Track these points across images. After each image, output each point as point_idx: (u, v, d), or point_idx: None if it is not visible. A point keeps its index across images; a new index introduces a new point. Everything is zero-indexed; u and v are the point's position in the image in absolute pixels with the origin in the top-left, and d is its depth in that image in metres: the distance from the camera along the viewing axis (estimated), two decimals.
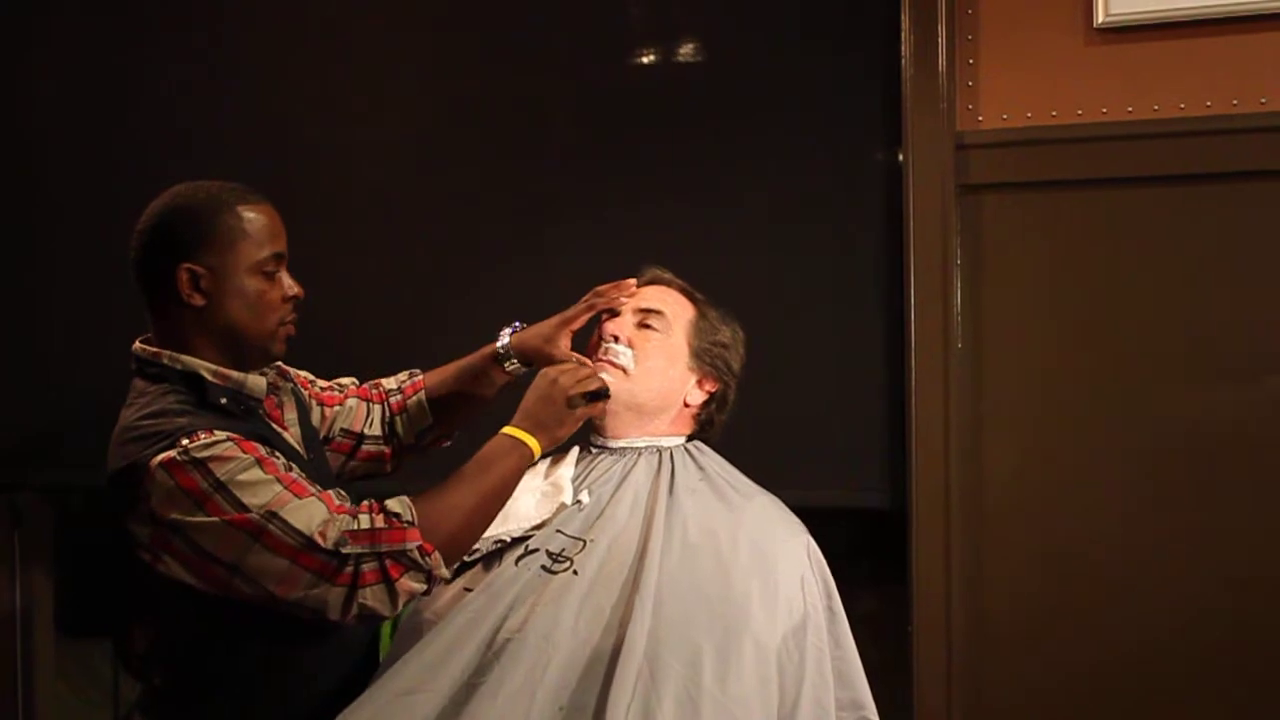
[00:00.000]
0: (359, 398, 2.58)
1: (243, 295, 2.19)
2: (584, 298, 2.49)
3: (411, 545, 2.09)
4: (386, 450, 2.60)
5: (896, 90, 3.04)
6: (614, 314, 2.44)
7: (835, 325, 3.15)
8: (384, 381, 2.63)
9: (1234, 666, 2.89)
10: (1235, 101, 2.84)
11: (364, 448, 2.57)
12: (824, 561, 2.29)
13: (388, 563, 2.08)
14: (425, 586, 2.12)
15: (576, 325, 2.46)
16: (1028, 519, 3.04)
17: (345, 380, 2.62)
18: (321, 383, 2.57)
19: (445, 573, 2.14)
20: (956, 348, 3.02)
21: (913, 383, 3.04)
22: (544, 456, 2.33)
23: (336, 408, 2.54)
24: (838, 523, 3.29)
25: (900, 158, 3.05)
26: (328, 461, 2.46)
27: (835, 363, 3.16)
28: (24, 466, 3.80)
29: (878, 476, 3.15)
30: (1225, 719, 2.91)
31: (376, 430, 2.58)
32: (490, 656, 2.10)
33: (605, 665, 2.05)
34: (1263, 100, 2.81)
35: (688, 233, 3.18)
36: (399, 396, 2.59)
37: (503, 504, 2.23)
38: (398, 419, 2.59)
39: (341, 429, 2.54)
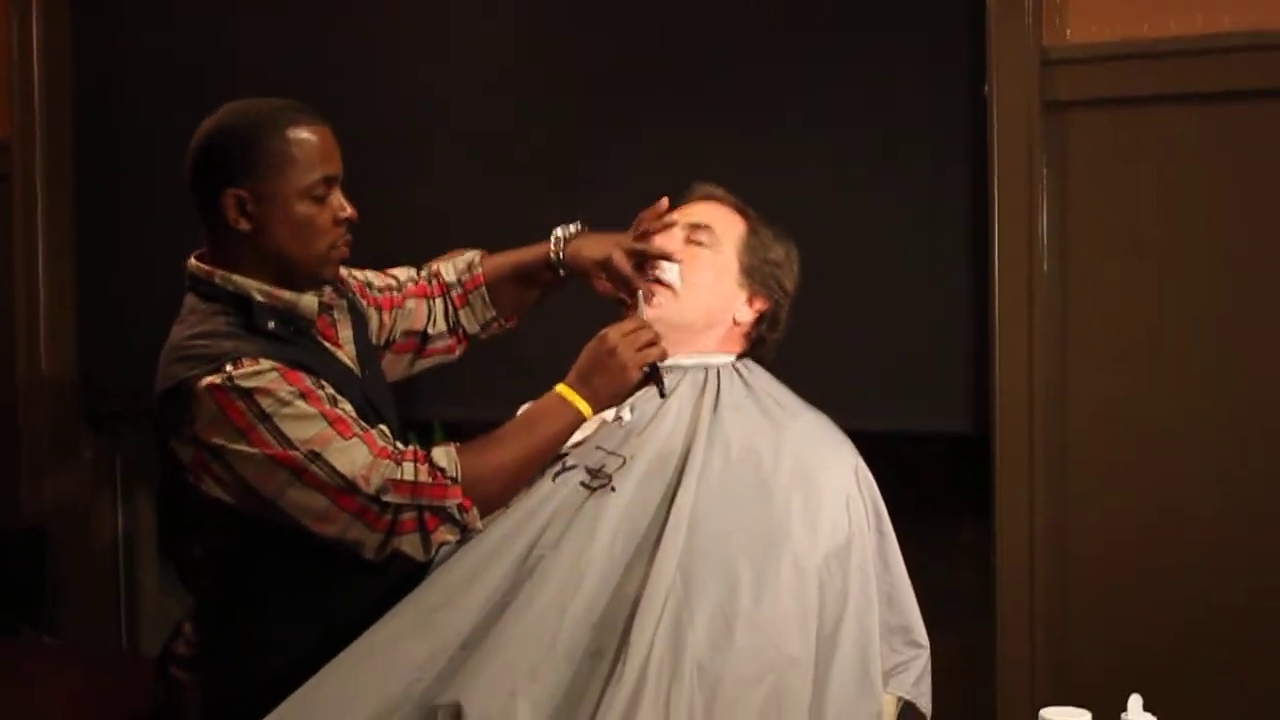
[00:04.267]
0: (418, 296, 2.55)
1: (290, 221, 2.16)
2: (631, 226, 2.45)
3: (452, 502, 2.10)
4: (452, 342, 2.60)
5: (981, 2, 2.94)
6: (666, 228, 2.38)
7: (917, 246, 3.08)
8: (442, 270, 2.59)
9: None
10: None
11: (431, 345, 2.57)
12: (874, 483, 2.21)
13: (426, 515, 2.08)
14: (459, 538, 2.13)
15: (628, 246, 2.39)
16: (1114, 451, 2.97)
17: (401, 274, 2.58)
18: (378, 282, 2.53)
19: (480, 526, 2.14)
20: (1042, 271, 2.94)
21: (996, 307, 2.97)
22: None
23: (396, 310, 2.52)
24: (925, 447, 3.24)
25: (984, 73, 2.94)
26: (384, 376, 2.45)
27: (918, 285, 3.09)
28: (123, 394, 3.85)
29: (962, 402, 3.07)
30: None
31: (441, 326, 2.56)
32: (523, 574, 2.07)
33: (638, 584, 2.01)
34: None
35: (765, 149, 3.14)
36: (459, 290, 2.56)
37: (546, 461, 2.22)
38: (461, 313, 2.57)
39: (404, 330, 2.53)
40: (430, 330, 2.55)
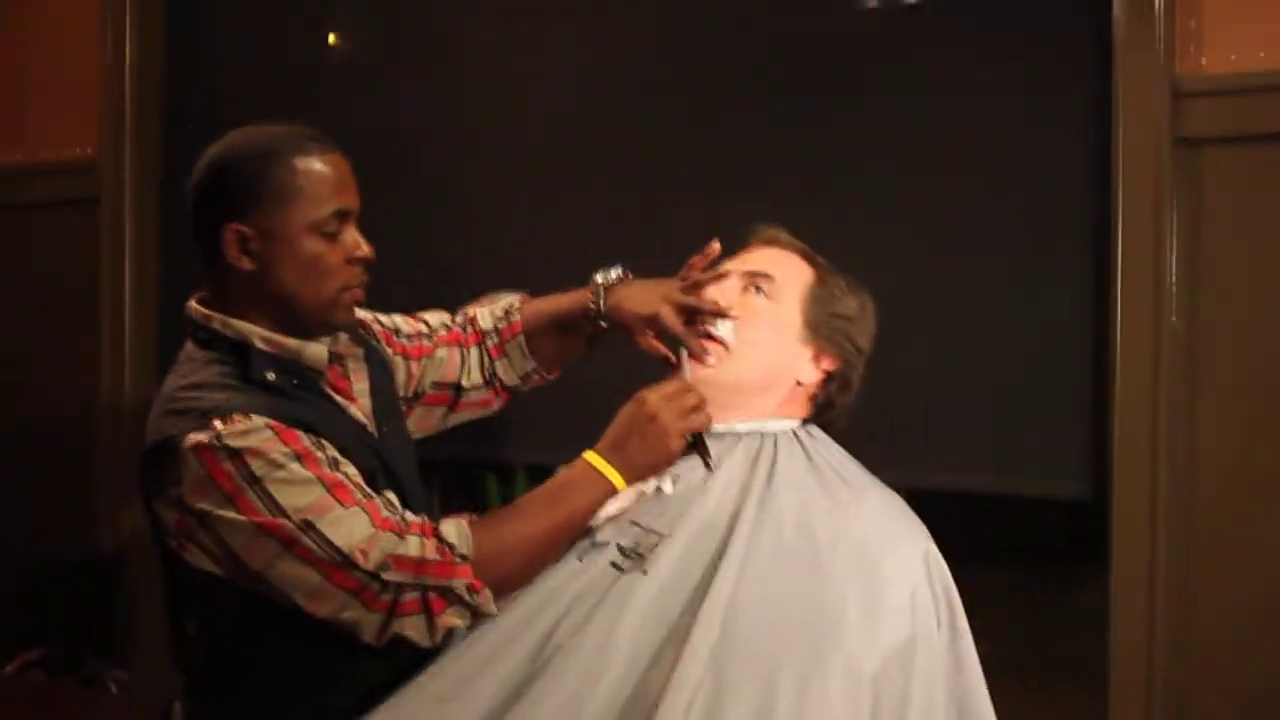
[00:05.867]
0: (450, 344, 2.35)
1: (297, 259, 1.96)
2: (680, 273, 2.22)
3: (460, 582, 1.88)
4: (490, 395, 2.39)
5: (1107, 29, 2.70)
6: (721, 278, 2.15)
7: (1031, 294, 2.86)
8: (479, 317, 2.38)
9: None
10: None
11: (465, 398, 2.37)
12: (947, 571, 1.92)
13: (431, 595, 1.87)
14: (468, 624, 1.92)
15: (678, 300, 2.15)
16: (1248, 522, 2.71)
17: (433, 320, 2.38)
18: (407, 328, 2.33)
19: (493, 609, 1.92)
20: (1169, 322, 2.70)
21: (1117, 361, 2.73)
22: None
23: (425, 360, 2.32)
24: (1032, 514, 2.99)
25: (1110, 106, 2.70)
26: (407, 434, 2.25)
27: (1031, 336, 2.86)
28: None
29: (1077, 464, 2.82)
30: None
31: (477, 378, 2.36)
32: (539, 665, 1.83)
33: (663, 684, 1.77)
34: None
35: (860, 183, 2.94)
36: (496, 339, 2.36)
37: (571, 538, 1.99)
38: (498, 364, 2.36)
39: (434, 381, 2.33)
40: (464, 382, 2.35)
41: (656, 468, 2.01)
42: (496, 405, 2.42)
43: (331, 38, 3.63)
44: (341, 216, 1.98)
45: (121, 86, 3.80)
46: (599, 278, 2.26)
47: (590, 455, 2.01)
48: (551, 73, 3.29)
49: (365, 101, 3.51)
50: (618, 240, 2.96)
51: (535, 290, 2.40)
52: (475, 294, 2.45)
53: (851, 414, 2.16)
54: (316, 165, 1.97)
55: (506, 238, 3.26)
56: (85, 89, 3.85)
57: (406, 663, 1.94)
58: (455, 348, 2.34)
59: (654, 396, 2.02)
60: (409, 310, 2.39)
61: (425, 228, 3.28)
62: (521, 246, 3.22)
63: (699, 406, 2.02)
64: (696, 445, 2.02)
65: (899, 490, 2.06)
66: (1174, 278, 2.69)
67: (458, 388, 2.35)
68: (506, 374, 2.36)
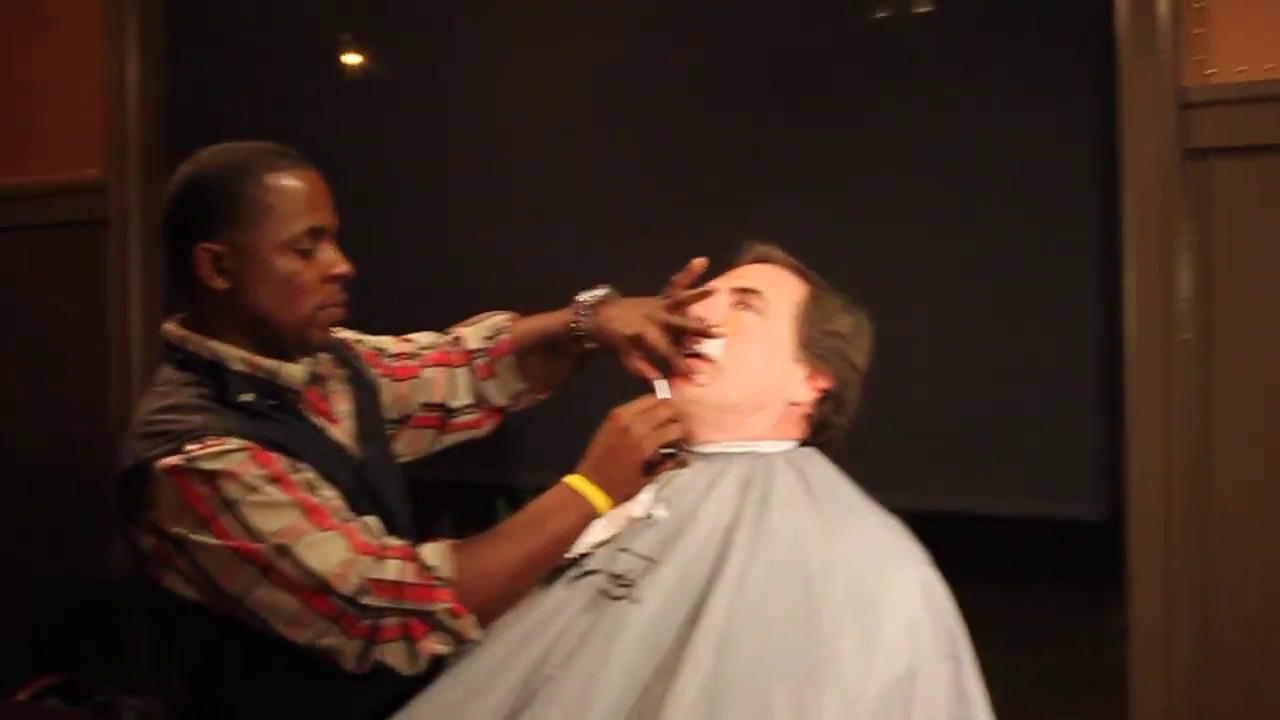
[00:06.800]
0: (437, 364, 2.31)
1: (270, 278, 1.94)
2: (665, 291, 2.18)
3: (441, 607, 1.85)
4: (480, 416, 2.35)
5: (1112, 40, 2.64)
6: (709, 295, 2.10)
7: (1040, 313, 2.80)
8: (466, 336, 2.34)
9: None
10: None
11: (455, 419, 2.33)
12: (947, 598, 1.86)
13: (412, 621, 1.84)
14: (451, 649, 1.88)
15: (662, 319, 2.11)
16: (1266, 539, 2.63)
17: (422, 339, 2.35)
18: (393, 348, 2.30)
19: (476, 635, 1.89)
20: (1181, 339, 2.63)
21: (1129, 379, 2.65)
22: None
23: (412, 380, 2.28)
24: (1045, 536, 2.94)
25: (1116, 118, 2.64)
26: (392, 456, 2.22)
27: (1040, 354, 2.81)
28: None
29: (1090, 485, 2.76)
30: None
31: (466, 399, 2.32)
32: (525, 697, 1.79)
33: (655, 717, 1.73)
34: None
35: (863, 199, 2.90)
36: (484, 359, 2.31)
37: (554, 562, 1.96)
38: (487, 384, 2.32)
39: (423, 403, 2.29)
40: (452, 403, 2.31)
41: (634, 482, 1.99)
42: (487, 427, 2.37)
43: (336, 57, 3.61)
44: (316, 234, 1.96)
45: (125, 107, 3.78)
46: (583, 297, 2.23)
47: (569, 477, 1.99)
48: (543, 91, 3.25)
49: (370, 120, 3.48)
50: (611, 260, 2.91)
51: (526, 311, 2.35)
52: (469, 314, 2.41)
53: (853, 435, 2.11)
54: (287, 181, 1.94)
55: (502, 259, 3.22)
56: (91, 110, 3.83)
57: (393, 692, 1.91)
58: (442, 368, 2.31)
59: (626, 412, 2.00)
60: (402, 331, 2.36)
61: (426, 248, 3.24)
62: (516, 267, 3.18)
63: (674, 419, 2.00)
64: (672, 457, 1.99)
65: (905, 514, 2.01)
66: (1186, 292, 2.63)
67: (446, 409, 2.31)
68: (496, 394, 2.33)
